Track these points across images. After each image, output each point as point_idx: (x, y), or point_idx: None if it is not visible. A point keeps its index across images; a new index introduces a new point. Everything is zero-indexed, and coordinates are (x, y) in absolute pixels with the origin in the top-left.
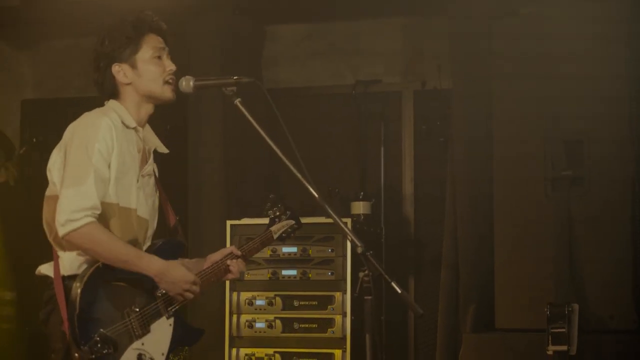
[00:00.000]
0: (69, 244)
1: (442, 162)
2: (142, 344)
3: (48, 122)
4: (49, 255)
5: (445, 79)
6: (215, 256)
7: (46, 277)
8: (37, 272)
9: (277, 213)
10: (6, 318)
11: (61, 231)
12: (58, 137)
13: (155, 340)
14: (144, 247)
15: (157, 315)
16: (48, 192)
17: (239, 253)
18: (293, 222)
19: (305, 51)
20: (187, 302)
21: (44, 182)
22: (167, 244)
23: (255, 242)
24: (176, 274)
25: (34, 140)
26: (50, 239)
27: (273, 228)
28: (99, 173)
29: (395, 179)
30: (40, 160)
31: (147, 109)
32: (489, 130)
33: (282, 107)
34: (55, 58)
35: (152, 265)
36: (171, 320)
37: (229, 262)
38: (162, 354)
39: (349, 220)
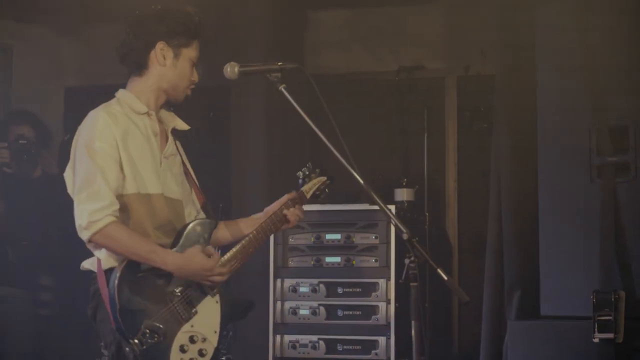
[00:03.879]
0: (94, 244)
1: (486, 148)
2: (192, 325)
3: (92, 109)
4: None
5: (489, 65)
6: (272, 207)
7: (90, 272)
8: (81, 267)
9: (307, 172)
10: (45, 303)
11: (85, 234)
12: None
13: (204, 320)
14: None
15: (201, 295)
16: None
17: (295, 195)
18: (325, 178)
19: (347, 37)
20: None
21: None
22: (197, 225)
23: (287, 205)
24: (194, 266)
25: (78, 127)
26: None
27: (304, 188)
28: (105, 171)
29: (438, 165)
30: None
31: (162, 96)
32: (533, 116)
33: (324, 93)
34: (98, 44)
35: (169, 260)
36: (217, 297)
37: (285, 211)
38: (215, 332)
39: (392, 207)
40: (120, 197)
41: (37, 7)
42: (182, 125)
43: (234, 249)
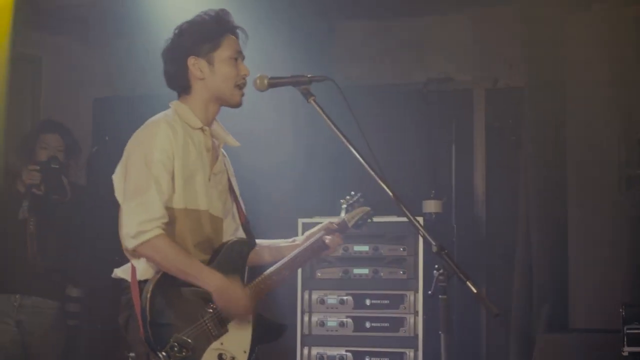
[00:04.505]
0: (135, 253)
1: (514, 160)
2: (222, 343)
3: (120, 121)
4: (117, 253)
5: (517, 77)
6: (313, 232)
7: (122, 280)
8: (113, 275)
9: (350, 201)
10: (73, 314)
11: (132, 243)
12: (130, 136)
13: (235, 339)
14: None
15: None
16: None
17: (335, 226)
18: (368, 208)
19: (375, 48)
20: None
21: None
22: (235, 244)
23: (328, 232)
24: (234, 294)
25: (106, 138)
26: (124, 247)
27: (347, 216)
28: (159, 182)
29: (466, 177)
30: (112, 159)
31: (215, 108)
32: (562, 128)
33: (352, 104)
34: (126, 55)
35: (212, 280)
36: (250, 317)
37: (326, 238)
38: (245, 352)
39: (420, 219)
40: (167, 210)
41: (65, 19)
42: (233, 142)
43: (269, 270)
